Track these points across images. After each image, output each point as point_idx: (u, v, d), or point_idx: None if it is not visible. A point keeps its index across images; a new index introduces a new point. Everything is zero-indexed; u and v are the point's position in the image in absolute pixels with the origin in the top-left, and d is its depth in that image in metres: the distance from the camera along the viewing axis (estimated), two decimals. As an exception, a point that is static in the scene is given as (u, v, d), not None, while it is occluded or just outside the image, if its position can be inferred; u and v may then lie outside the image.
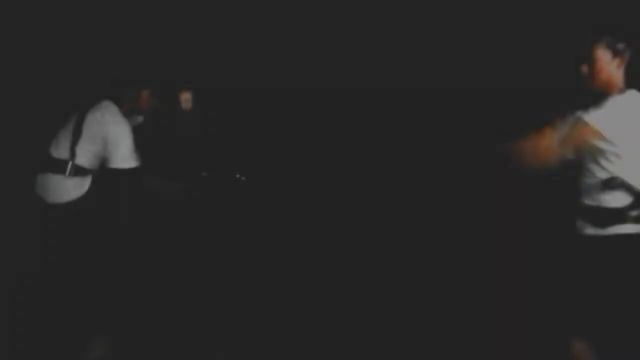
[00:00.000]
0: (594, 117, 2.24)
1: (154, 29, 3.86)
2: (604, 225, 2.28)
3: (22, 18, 3.84)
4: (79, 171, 2.94)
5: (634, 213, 2.25)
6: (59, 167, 2.93)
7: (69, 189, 2.94)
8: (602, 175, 2.29)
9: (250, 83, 3.94)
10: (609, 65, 2.32)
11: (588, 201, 2.34)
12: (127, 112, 3.03)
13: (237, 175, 3.49)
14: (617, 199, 2.27)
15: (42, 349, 2.88)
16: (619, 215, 2.27)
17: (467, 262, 3.57)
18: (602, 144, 2.24)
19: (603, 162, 2.28)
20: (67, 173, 2.92)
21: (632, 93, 2.34)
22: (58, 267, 2.91)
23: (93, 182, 2.99)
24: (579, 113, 2.26)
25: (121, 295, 3.02)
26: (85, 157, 2.94)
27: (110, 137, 2.93)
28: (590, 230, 2.32)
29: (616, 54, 2.32)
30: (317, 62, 3.98)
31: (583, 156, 2.33)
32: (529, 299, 3.06)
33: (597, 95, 2.31)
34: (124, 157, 2.95)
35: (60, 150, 2.96)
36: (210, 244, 3.47)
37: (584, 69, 2.34)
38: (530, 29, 3.67)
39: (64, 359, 2.86)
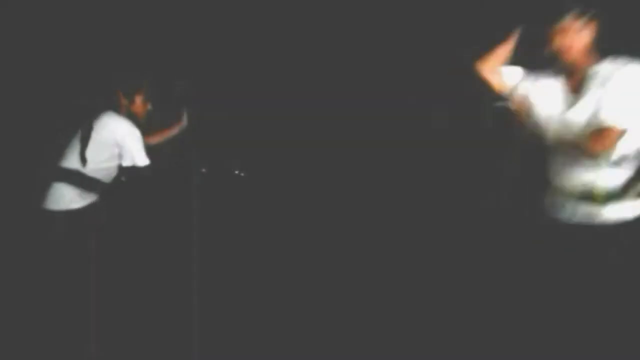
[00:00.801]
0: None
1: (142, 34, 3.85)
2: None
3: (16, 30, 3.84)
4: (86, 180, 3.02)
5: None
6: (67, 177, 3.01)
7: (76, 197, 3.02)
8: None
9: (247, 80, 3.95)
10: (581, 36, 2.18)
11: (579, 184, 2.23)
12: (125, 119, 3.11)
13: (236, 171, 3.51)
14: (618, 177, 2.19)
15: (41, 350, 2.90)
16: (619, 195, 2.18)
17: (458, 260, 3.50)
18: None
19: None
20: (75, 182, 3.00)
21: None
22: (62, 273, 2.94)
23: (100, 192, 3.07)
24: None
25: (118, 297, 3.04)
26: (96, 165, 3.02)
27: (119, 138, 3.01)
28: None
29: (586, 21, 2.18)
30: (316, 60, 3.98)
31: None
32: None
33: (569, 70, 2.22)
34: (136, 155, 3.03)
35: (68, 161, 3.04)
36: (209, 241, 3.45)
37: (555, 44, 2.19)
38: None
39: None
